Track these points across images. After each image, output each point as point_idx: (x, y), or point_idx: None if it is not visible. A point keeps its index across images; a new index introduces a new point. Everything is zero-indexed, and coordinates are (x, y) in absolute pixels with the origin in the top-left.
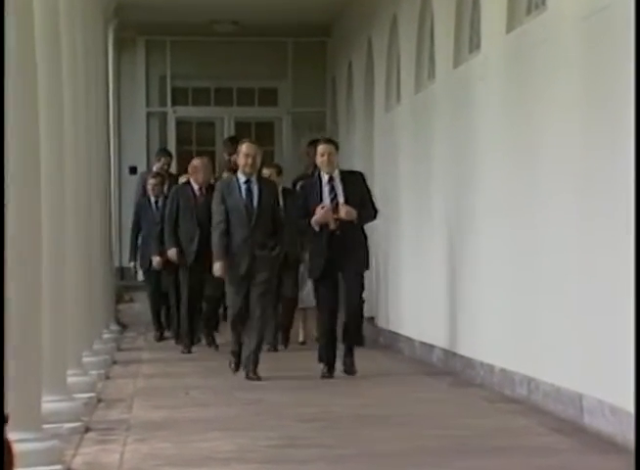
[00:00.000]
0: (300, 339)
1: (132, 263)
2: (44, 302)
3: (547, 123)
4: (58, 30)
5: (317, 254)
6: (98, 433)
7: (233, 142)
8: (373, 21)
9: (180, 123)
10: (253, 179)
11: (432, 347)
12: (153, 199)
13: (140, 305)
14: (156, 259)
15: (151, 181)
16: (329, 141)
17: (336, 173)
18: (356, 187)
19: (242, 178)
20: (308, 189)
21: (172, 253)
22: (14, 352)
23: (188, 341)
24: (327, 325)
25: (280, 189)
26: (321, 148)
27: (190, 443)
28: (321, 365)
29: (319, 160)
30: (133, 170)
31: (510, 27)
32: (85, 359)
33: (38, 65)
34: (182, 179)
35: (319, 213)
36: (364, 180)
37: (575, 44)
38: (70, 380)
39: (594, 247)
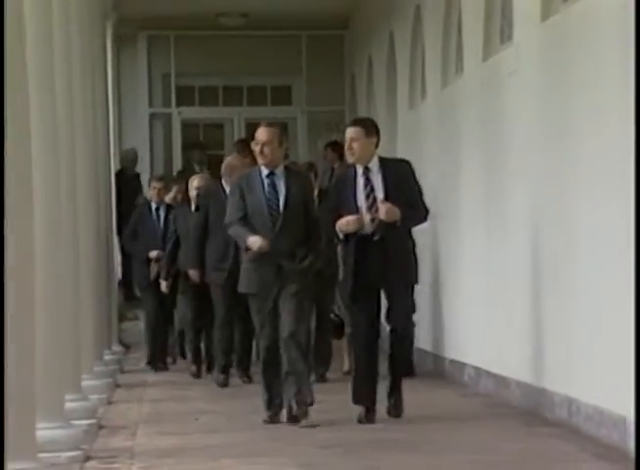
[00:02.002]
0: (345, 368)
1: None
2: (39, 320)
3: (586, 120)
4: (50, 26)
5: (349, 265)
6: (99, 462)
7: (244, 145)
8: (394, 11)
9: (186, 125)
10: (279, 172)
11: (462, 364)
12: (154, 205)
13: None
14: (164, 282)
15: (155, 185)
16: (356, 122)
17: (373, 163)
18: (401, 180)
19: (264, 171)
20: (341, 184)
21: (194, 274)
22: (6, 375)
23: (222, 373)
24: (363, 357)
25: (316, 191)
26: (346, 132)
27: None
28: (357, 408)
29: (345, 148)
30: (136, 177)
31: (545, 16)
32: (85, 383)
33: (28, 65)
34: (194, 183)
35: (345, 219)
36: (412, 172)
37: (616, 33)
38: (69, 405)
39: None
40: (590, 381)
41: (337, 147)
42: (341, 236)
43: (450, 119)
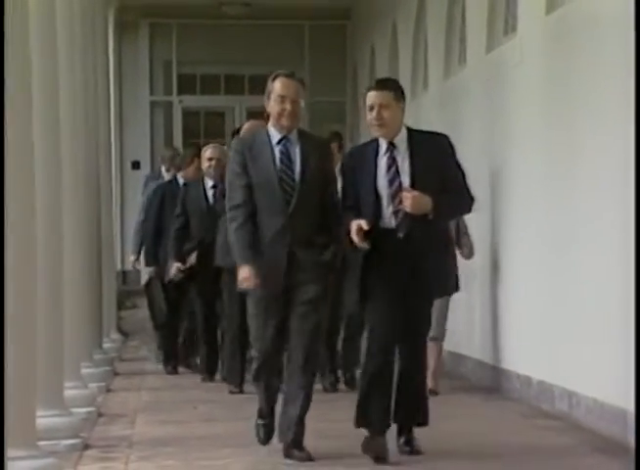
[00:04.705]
0: (429, 385)
1: (153, 269)
2: (39, 308)
3: (590, 114)
4: (53, 14)
5: (368, 265)
6: (98, 450)
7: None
8: (397, 1)
9: (187, 114)
10: (293, 137)
11: (462, 357)
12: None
13: (143, 312)
14: (175, 267)
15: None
16: (383, 84)
17: (400, 137)
18: (435, 160)
19: (275, 135)
20: (358, 160)
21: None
22: (6, 363)
23: (238, 376)
24: (378, 365)
25: (339, 165)
26: (369, 98)
27: (198, 460)
28: (364, 433)
29: (368, 118)
30: (136, 165)
31: (550, 8)
32: (84, 371)
33: (32, 51)
34: (206, 154)
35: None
36: (452, 148)
37: (619, 26)
38: (68, 393)
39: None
40: (590, 374)
41: (337, 137)
42: (365, 245)
43: (452, 111)
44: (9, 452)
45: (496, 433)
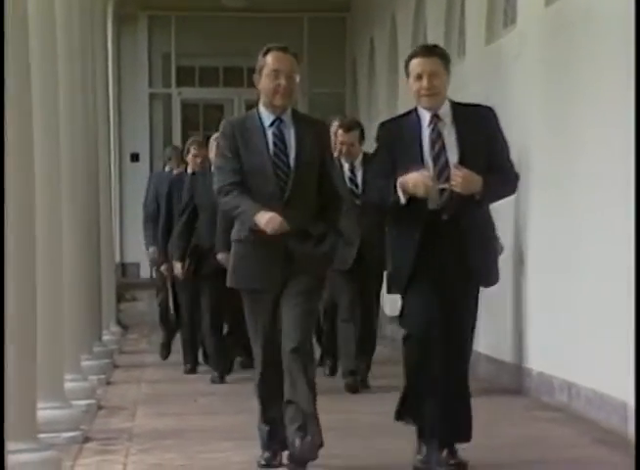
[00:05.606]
0: None
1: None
2: (39, 301)
3: (590, 106)
4: (52, 6)
5: (403, 250)
6: (98, 443)
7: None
8: None
9: (186, 106)
10: (287, 119)
11: None
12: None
13: (143, 305)
14: (177, 267)
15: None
16: (431, 50)
17: (445, 109)
18: (482, 135)
19: (267, 116)
20: (396, 134)
21: (224, 258)
22: (6, 356)
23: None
24: (421, 367)
25: (360, 157)
26: (417, 65)
27: (199, 453)
28: (415, 446)
29: (414, 87)
30: (135, 158)
31: (549, 0)
32: (84, 363)
33: (30, 44)
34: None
35: (412, 176)
36: (497, 122)
37: (621, 18)
38: (68, 386)
39: None
40: (590, 365)
41: (358, 126)
42: (402, 199)
43: None
44: (9, 445)
45: (496, 425)
